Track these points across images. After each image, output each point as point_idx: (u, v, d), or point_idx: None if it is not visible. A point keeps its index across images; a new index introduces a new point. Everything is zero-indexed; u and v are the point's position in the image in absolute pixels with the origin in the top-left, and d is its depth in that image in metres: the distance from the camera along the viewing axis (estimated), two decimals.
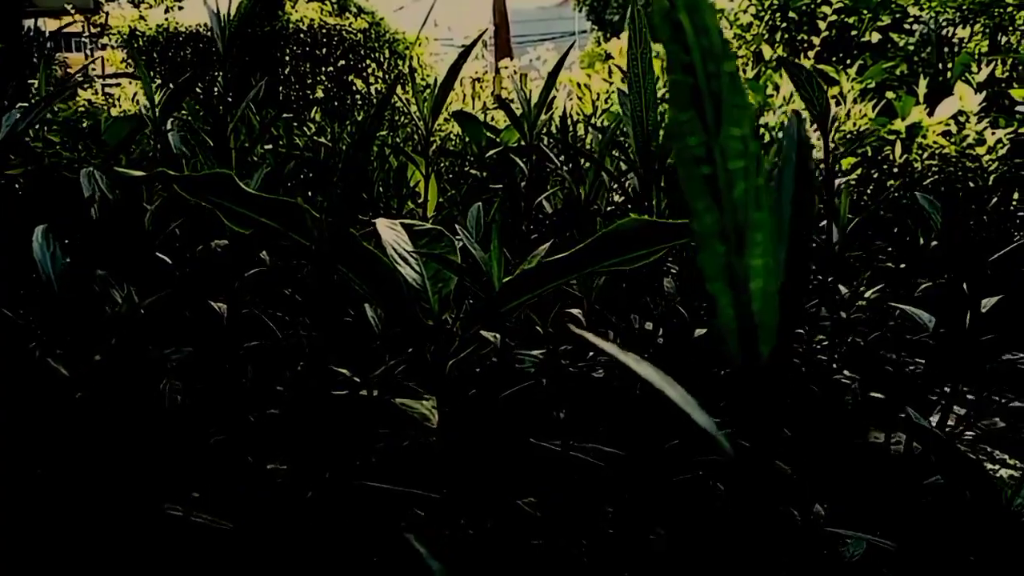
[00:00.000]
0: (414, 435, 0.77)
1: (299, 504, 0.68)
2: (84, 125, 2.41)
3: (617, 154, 1.82)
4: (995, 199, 2.71)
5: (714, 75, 0.20)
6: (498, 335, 0.76)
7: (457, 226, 0.78)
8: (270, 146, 2.52)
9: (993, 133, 3.21)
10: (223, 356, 0.94)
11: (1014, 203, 2.88)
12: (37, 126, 2.31)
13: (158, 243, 1.09)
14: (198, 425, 0.78)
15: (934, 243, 1.16)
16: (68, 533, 0.64)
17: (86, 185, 1.01)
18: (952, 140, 3.35)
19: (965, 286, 0.99)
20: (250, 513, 0.66)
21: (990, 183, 3.08)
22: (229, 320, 1.01)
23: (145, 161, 1.74)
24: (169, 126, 1.37)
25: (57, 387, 0.65)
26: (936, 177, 3.21)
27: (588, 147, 2.14)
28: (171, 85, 1.36)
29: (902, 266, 2.06)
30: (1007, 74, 4.88)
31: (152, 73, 7.70)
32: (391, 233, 0.71)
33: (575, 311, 0.93)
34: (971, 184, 3.15)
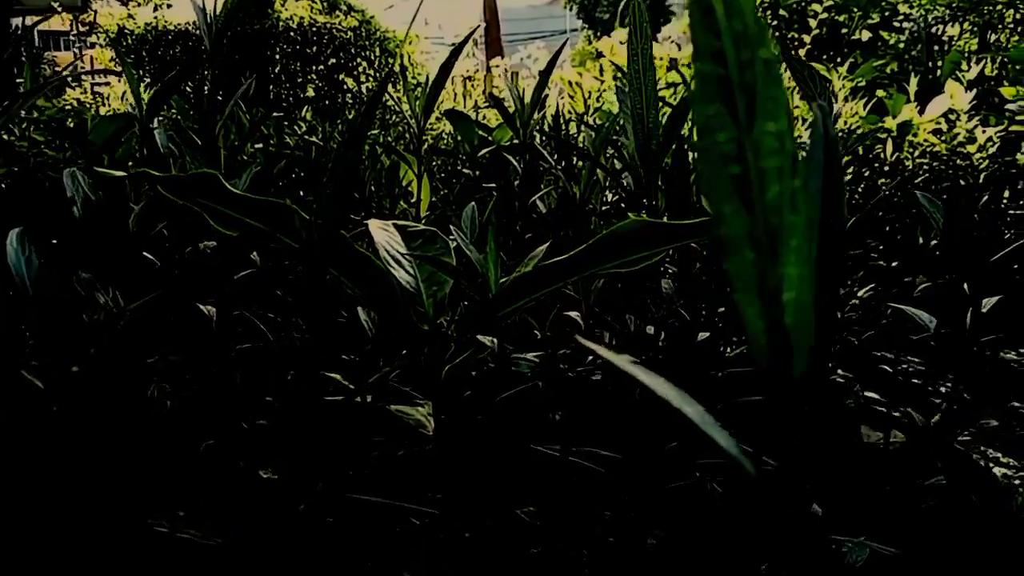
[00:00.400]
0: (409, 443, 0.75)
1: (291, 518, 0.66)
2: (70, 124, 2.37)
3: (612, 152, 1.80)
4: (986, 197, 2.72)
5: (747, 63, 0.18)
6: (495, 340, 0.74)
7: (452, 227, 0.76)
8: (260, 145, 2.49)
9: (983, 131, 3.22)
10: (212, 361, 0.92)
11: (1004, 201, 2.88)
12: (24, 125, 2.27)
13: (144, 245, 1.06)
14: (185, 436, 0.76)
15: (933, 242, 1.15)
16: (46, 555, 0.62)
17: (69, 185, 0.98)
18: (943, 138, 3.36)
19: (966, 286, 0.98)
20: (240, 528, 0.64)
21: (980, 181, 3.09)
22: (218, 323, 0.99)
23: (131, 161, 1.71)
24: (156, 125, 1.34)
25: (32, 401, 0.62)
26: (927, 175, 3.22)
27: (581, 146, 2.12)
28: (160, 84, 1.33)
29: (894, 264, 2.05)
30: (996, 72, 4.91)
31: (141, 72, 7.64)
32: (384, 234, 0.69)
33: (573, 314, 0.91)
34: (962, 182, 3.16)
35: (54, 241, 1.11)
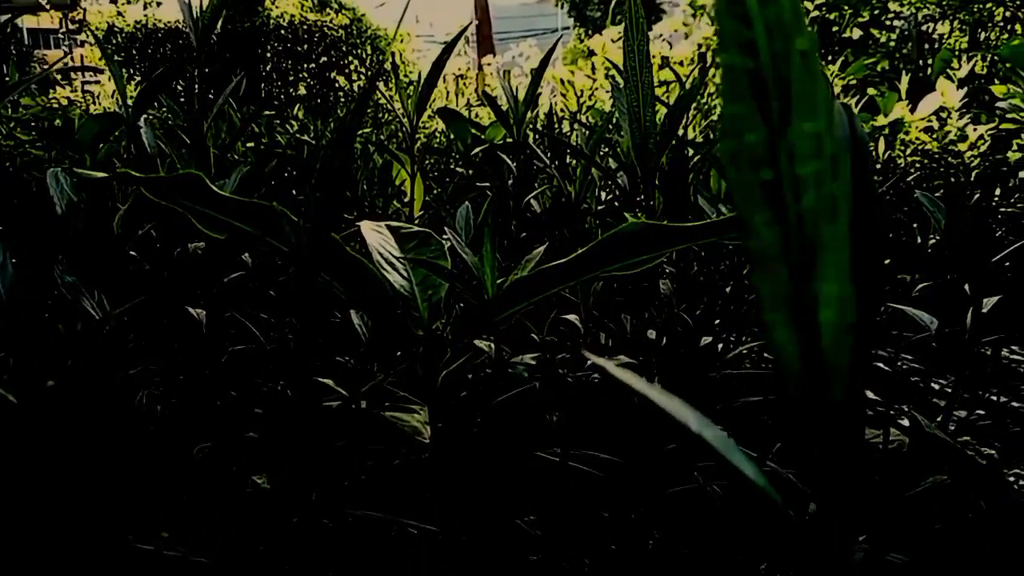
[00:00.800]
0: (405, 451, 0.73)
1: (284, 531, 0.64)
2: (57, 123, 2.35)
3: (606, 151, 1.79)
4: (977, 195, 2.72)
5: (782, 55, 0.16)
6: (492, 344, 0.73)
7: (447, 228, 0.74)
8: (252, 144, 2.47)
9: (974, 129, 3.23)
10: (201, 367, 0.90)
11: (995, 199, 2.89)
12: (11, 124, 2.24)
13: (130, 246, 1.04)
14: (173, 447, 0.74)
15: (931, 240, 1.14)
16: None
17: (52, 186, 0.96)
18: (934, 136, 3.37)
19: (967, 287, 0.97)
20: (232, 539, 0.62)
21: (972, 179, 3.10)
22: (208, 327, 0.96)
23: (119, 161, 1.68)
24: (143, 124, 1.32)
25: (7, 416, 0.60)
26: (919, 173, 3.23)
27: (576, 144, 2.10)
28: (147, 81, 1.31)
29: (886, 262, 2.05)
30: (986, 70, 4.93)
31: (132, 70, 7.58)
32: (377, 236, 0.67)
33: (572, 317, 0.89)
34: (953, 180, 3.17)
35: (40, 243, 1.08)
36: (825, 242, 0.17)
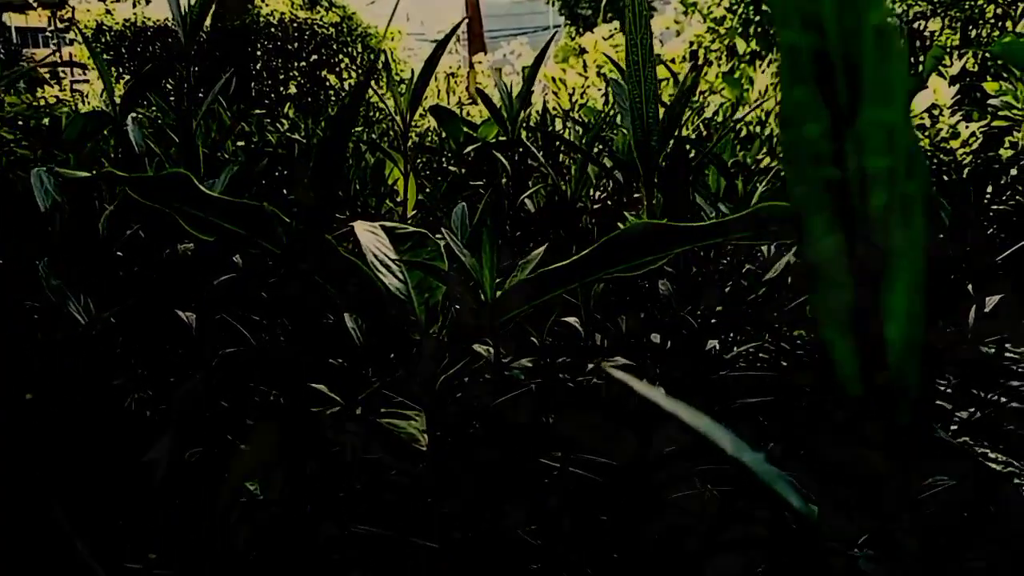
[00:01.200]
0: (401, 459, 0.71)
1: (277, 544, 0.62)
2: (44, 121, 2.32)
3: (601, 149, 1.77)
4: (970, 193, 2.72)
5: (852, 33, 0.14)
6: (491, 349, 0.70)
7: (442, 228, 0.72)
8: (242, 143, 2.44)
9: (966, 126, 3.22)
10: (191, 371, 0.87)
11: (988, 197, 2.89)
12: None
13: (118, 248, 1.01)
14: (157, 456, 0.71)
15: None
16: None
17: (36, 186, 0.93)
18: (926, 134, 3.37)
19: (970, 286, 0.96)
20: (221, 558, 0.59)
21: (964, 176, 3.11)
22: (198, 331, 0.94)
23: (107, 160, 1.65)
24: (131, 123, 1.29)
25: None
26: None
27: (572, 141, 2.09)
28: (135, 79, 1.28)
29: None
30: (977, 67, 4.95)
31: (121, 69, 7.53)
32: (371, 237, 0.65)
33: (571, 319, 0.87)
34: (945, 178, 3.17)
35: (25, 245, 1.05)
36: (896, 249, 0.15)
